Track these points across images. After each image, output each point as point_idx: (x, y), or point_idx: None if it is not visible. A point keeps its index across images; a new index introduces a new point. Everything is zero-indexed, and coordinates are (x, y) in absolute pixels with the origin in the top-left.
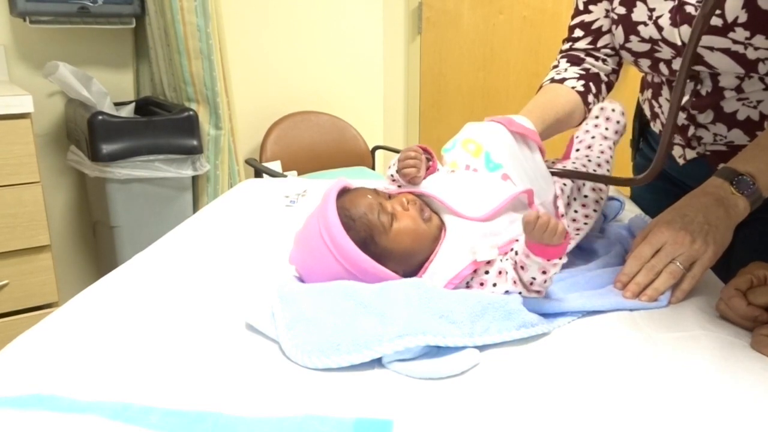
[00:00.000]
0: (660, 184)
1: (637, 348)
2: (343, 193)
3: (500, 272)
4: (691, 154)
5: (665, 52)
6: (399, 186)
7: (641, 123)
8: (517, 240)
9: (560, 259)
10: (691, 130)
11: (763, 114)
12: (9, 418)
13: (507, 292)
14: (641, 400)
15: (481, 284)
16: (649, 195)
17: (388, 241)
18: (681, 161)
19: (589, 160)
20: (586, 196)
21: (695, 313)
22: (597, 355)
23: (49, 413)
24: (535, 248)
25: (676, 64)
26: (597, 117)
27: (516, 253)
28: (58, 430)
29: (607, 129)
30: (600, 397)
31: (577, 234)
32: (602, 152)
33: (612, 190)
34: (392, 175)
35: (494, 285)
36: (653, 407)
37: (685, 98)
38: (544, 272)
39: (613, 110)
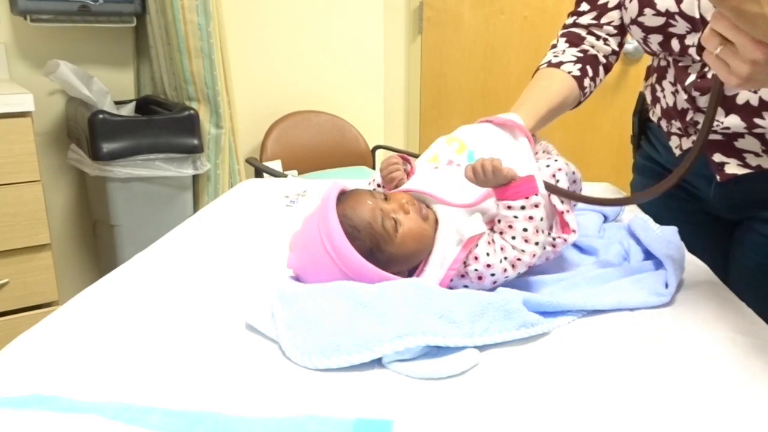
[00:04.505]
0: (657, 181)
1: (637, 348)
2: (341, 196)
3: (489, 242)
4: (687, 143)
5: (680, 26)
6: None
7: (641, 119)
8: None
9: (537, 195)
10: (690, 115)
11: (763, 99)
12: (9, 418)
13: (505, 271)
14: (641, 400)
15: (476, 258)
16: None
17: (395, 248)
18: (677, 152)
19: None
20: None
21: (695, 313)
22: (597, 355)
23: (49, 413)
24: (504, 193)
25: (689, 40)
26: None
27: (499, 221)
28: (58, 430)
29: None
30: (600, 397)
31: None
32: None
33: (612, 194)
34: (378, 185)
35: (487, 255)
36: (653, 407)
37: (691, 78)
38: (530, 218)
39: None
